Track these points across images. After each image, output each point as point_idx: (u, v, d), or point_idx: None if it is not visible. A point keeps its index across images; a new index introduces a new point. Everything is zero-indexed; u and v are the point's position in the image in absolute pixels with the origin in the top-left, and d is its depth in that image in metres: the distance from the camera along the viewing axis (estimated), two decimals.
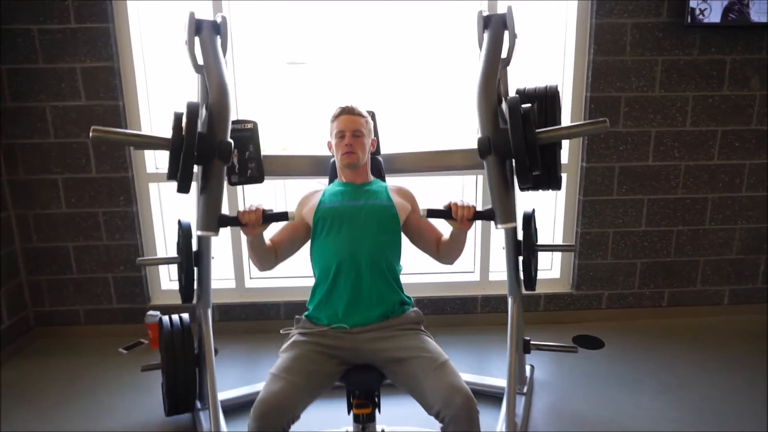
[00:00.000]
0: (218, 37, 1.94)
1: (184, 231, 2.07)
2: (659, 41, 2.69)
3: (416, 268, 3.25)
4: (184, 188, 1.62)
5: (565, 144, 2.89)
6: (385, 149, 2.15)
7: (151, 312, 2.79)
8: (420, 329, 1.72)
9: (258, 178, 2.09)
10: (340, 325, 1.67)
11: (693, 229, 2.95)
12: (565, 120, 2.91)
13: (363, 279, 1.69)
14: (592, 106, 2.76)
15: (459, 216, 1.61)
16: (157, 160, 2.86)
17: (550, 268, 3.12)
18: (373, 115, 2.03)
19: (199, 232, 1.70)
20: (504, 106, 1.77)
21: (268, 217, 1.65)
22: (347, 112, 1.83)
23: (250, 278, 3.05)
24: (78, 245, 2.81)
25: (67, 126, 2.66)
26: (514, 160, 1.66)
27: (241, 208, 1.78)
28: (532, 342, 2.33)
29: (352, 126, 1.81)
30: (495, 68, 1.82)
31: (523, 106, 1.62)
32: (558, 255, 3.07)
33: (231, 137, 2.04)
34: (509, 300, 2.23)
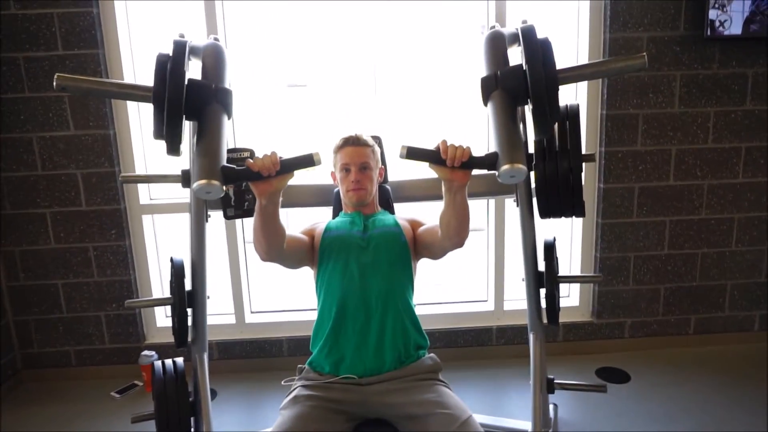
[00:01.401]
0: None
1: (176, 269, 1.91)
2: (677, 55, 2.56)
3: (426, 298, 3.09)
4: (172, 147, 1.27)
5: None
6: (391, 176, 2.01)
7: (145, 352, 2.62)
8: (437, 379, 1.55)
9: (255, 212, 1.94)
10: (348, 376, 1.50)
11: (719, 252, 2.78)
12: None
13: (372, 320, 1.52)
14: (609, 125, 2.61)
15: (449, 157, 1.22)
16: (151, 191, 2.72)
17: (568, 295, 2.95)
18: (379, 141, 1.88)
19: (197, 185, 1.16)
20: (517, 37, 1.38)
21: (289, 164, 1.23)
22: (352, 143, 1.68)
23: (251, 312, 2.88)
24: (68, 282, 2.65)
25: (54, 157, 2.52)
26: (529, 101, 1.26)
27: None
28: (556, 381, 2.15)
29: (358, 159, 1.66)
30: (506, 35, 1.55)
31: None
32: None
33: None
34: (530, 336, 2.06)
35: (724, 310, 2.84)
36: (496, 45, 1.43)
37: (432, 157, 1.25)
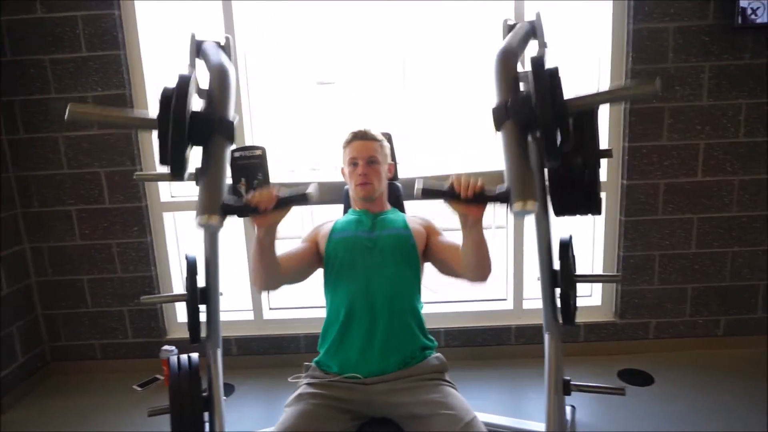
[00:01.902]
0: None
1: (189, 266, 1.94)
2: (706, 45, 2.45)
3: (444, 296, 3.06)
4: (176, 172, 1.32)
5: (604, 160, 2.66)
6: (409, 173, 1.99)
7: (165, 347, 2.67)
8: (443, 380, 1.53)
9: (266, 210, 1.95)
10: (353, 375, 1.49)
11: (751, 251, 2.66)
12: (603, 137, 2.69)
13: (378, 321, 1.51)
14: (633, 119, 2.53)
15: (463, 187, 1.23)
16: (172, 188, 2.77)
17: (590, 294, 2.88)
18: (389, 137, 1.87)
19: (198, 219, 1.25)
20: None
21: (285, 200, 1.30)
22: (360, 137, 1.67)
23: (270, 309, 2.91)
24: (92, 278, 2.73)
25: (79, 156, 2.59)
26: (538, 131, 1.28)
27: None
28: (573, 382, 2.10)
29: (366, 153, 1.65)
30: (519, 42, 1.54)
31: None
32: None
33: (238, 165, 1.92)
34: (546, 336, 2.01)
35: (756, 311, 2.72)
36: (507, 68, 1.40)
37: (446, 193, 1.26)
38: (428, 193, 1.23)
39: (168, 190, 2.75)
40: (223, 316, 2.84)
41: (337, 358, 1.53)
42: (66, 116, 1.32)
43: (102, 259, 2.70)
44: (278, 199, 1.30)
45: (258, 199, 1.27)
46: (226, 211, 1.27)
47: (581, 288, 2.86)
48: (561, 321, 1.94)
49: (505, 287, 2.88)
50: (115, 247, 2.69)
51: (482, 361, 2.76)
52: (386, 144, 1.73)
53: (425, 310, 2.68)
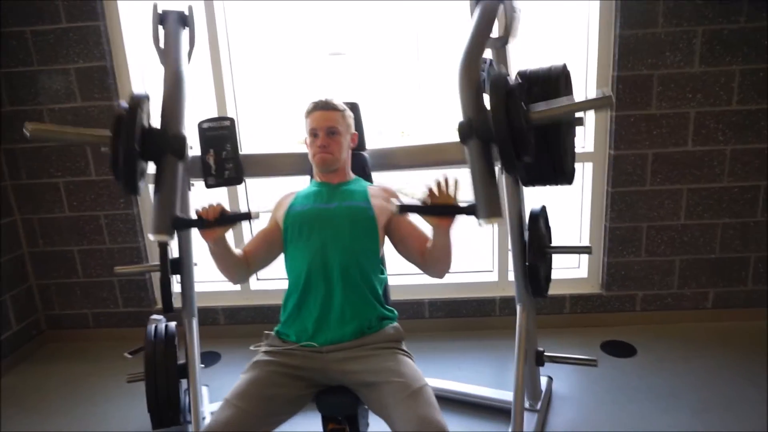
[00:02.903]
0: (186, 29, 1.80)
1: None
2: (698, 9, 2.35)
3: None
4: (128, 188, 1.42)
5: (590, 130, 2.60)
6: (375, 143, 1.97)
7: (154, 316, 2.72)
8: (398, 348, 1.53)
9: (236, 180, 1.95)
10: (309, 343, 1.51)
11: (742, 222, 2.59)
12: None
13: (335, 292, 1.52)
14: (620, 86, 2.46)
15: (432, 199, 1.37)
16: None
17: (578, 266, 2.85)
18: (355, 106, 1.84)
19: (151, 236, 1.46)
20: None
21: (228, 218, 1.47)
22: (320, 107, 1.65)
23: (257, 280, 2.94)
24: (82, 249, 2.79)
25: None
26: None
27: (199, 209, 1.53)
28: (546, 353, 2.10)
29: (325, 123, 1.63)
30: (481, 44, 1.56)
31: (511, 81, 1.37)
32: None
33: (206, 136, 1.92)
34: (518, 307, 2.01)
35: (747, 283, 2.67)
36: (470, 79, 1.43)
37: (423, 209, 1.39)
38: (406, 209, 1.38)
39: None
40: (211, 287, 2.93)
41: (294, 327, 1.55)
42: (28, 135, 1.43)
43: (91, 230, 2.75)
44: (222, 214, 1.46)
45: (205, 213, 1.45)
46: (176, 226, 1.46)
47: (568, 259, 2.86)
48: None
49: (490, 259, 2.87)
50: (103, 219, 2.74)
51: (466, 332, 2.77)
52: (349, 114, 1.70)
53: (405, 280, 2.69)
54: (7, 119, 2.62)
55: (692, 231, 2.61)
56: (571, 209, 2.88)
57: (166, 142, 1.49)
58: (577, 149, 2.59)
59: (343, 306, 1.51)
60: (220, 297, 2.88)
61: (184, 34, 1.79)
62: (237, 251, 1.60)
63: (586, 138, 2.64)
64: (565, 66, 1.71)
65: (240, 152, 1.94)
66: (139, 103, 1.41)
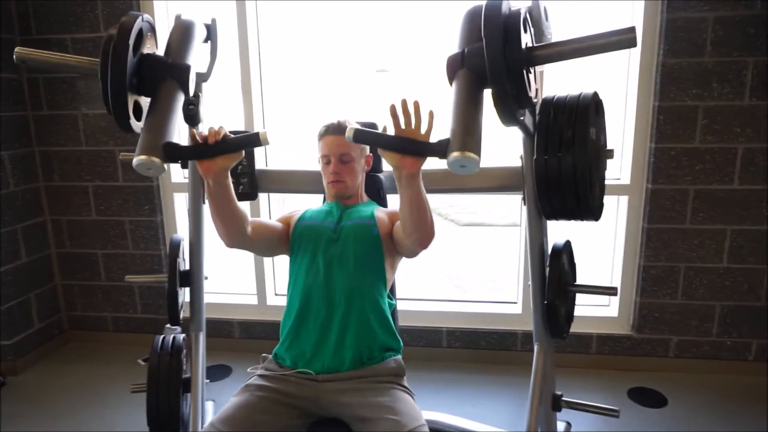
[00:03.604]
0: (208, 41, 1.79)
1: (172, 248, 1.95)
2: (750, 39, 2.20)
3: (448, 294, 2.96)
4: (121, 123, 1.23)
5: (627, 162, 2.47)
6: None
7: (168, 326, 2.72)
8: (398, 384, 1.44)
9: (250, 195, 1.92)
10: (305, 370, 1.44)
11: None
12: (615, 138, 2.50)
13: (335, 316, 1.45)
14: (661, 117, 2.32)
15: (395, 126, 1.14)
16: (184, 171, 2.80)
17: (608, 304, 2.69)
18: (372, 127, 1.78)
19: (135, 160, 1.12)
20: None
21: (232, 143, 1.22)
22: (333, 131, 1.59)
23: (275, 295, 2.91)
24: (106, 252, 2.83)
25: (97, 134, 2.67)
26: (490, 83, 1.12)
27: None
28: (564, 398, 1.96)
29: (338, 150, 1.57)
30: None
31: (512, 8, 1.15)
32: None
33: None
34: (535, 347, 1.89)
35: None
36: (473, 21, 1.26)
37: (381, 139, 1.15)
38: (360, 137, 1.14)
39: (180, 172, 2.79)
40: (227, 299, 2.91)
41: (291, 352, 1.49)
42: (15, 58, 1.30)
43: (115, 234, 2.79)
44: (225, 136, 1.23)
45: (204, 137, 1.22)
46: (169, 152, 1.16)
47: (598, 296, 2.70)
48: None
49: (516, 290, 2.75)
50: (128, 224, 2.77)
51: (484, 365, 2.65)
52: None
53: (423, 306, 2.59)
54: (45, 123, 2.70)
55: (735, 275, 2.42)
56: (602, 244, 2.73)
57: (166, 68, 1.28)
58: (612, 181, 2.50)
59: (344, 332, 1.44)
60: (236, 310, 2.86)
61: (206, 46, 1.78)
62: (241, 207, 1.41)
63: (622, 170, 2.50)
64: (596, 93, 1.61)
65: (256, 167, 1.91)
66: (132, 23, 1.21)
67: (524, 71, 1.13)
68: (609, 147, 1.73)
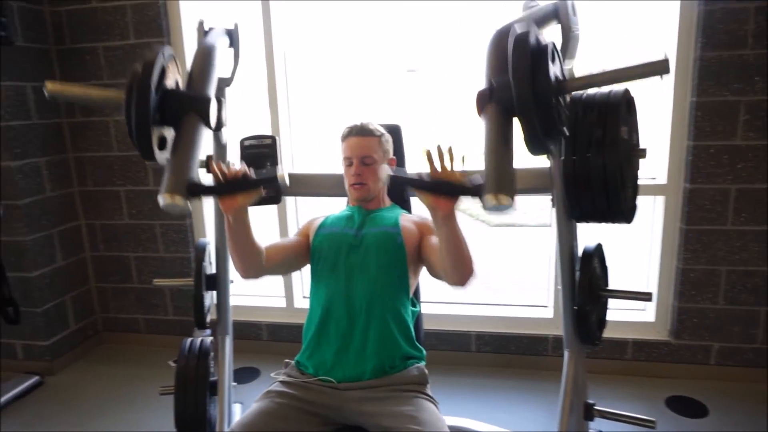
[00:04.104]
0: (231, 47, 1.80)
1: (197, 252, 1.97)
2: None
3: (479, 296, 2.91)
4: (144, 154, 1.26)
5: (663, 160, 2.37)
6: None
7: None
8: (421, 392, 1.41)
9: (274, 199, 1.91)
10: (326, 378, 1.42)
11: None
12: (650, 136, 2.40)
13: (357, 325, 1.43)
14: (699, 114, 2.22)
15: (432, 170, 1.14)
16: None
17: (644, 308, 2.58)
18: (395, 129, 1.76)
19: (161, 199, 1.20)
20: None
21: (251, 182, 1.25)
22: (356, 132, 1.57)
23: (303, 297, 2.91)
24: (138, 256, 2.88)
25: (127, 140, 2.69)
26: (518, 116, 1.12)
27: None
28: (597, 407, 1.89)
29: (360, 151, 1.55)
30: (524, 26, 1.37)
31: (542, 40, 1.14)
32: (654, 293, 2.52)
33: (247, 153, 1.91)
34: (565, 353, 1.83)
35: None
36: (499, 48, 1.22)
37: (416, 183, 1.16)
38: (396, 180, 1.18)
39: (208, 177, 2.82)
40: (256, 301, 2.93)
41: (312, 360, 1.48)
42: (47, 94, 1.32)
43: (146, 238, 2.84)
44: (245, 175, 1.25)
45: (223, 172, 1.25)
46: (192, 191, 1.21)
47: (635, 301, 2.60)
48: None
49: (546, 293, 2.67)
50: (158, 228, 2.81)
51: (514, 370, 2.59)
52: (386, 138, 1.62)
53: (451, 310, 2.55)
54: (79, 130, 2.77)
55: None
56: (639, 246, 2.63)
57: (187, 102, 1.32)
58: (648, 181, 2.40)
59: (365, 341, 1.42)
60: (265, 312, 2.87)
61: (230, 51, 1.79)
62: (258, 241, 1.43)
63: (658, 169, 2.40)
64: (627, 91, 1.54)
65: (280, 171, 1.90)
66: (154, 59, 1.25)
67: (553, 104, 1.10)
68: (642, 146, 1.66)
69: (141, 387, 2.56)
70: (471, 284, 1.33)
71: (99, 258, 2.94)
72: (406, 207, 1.76)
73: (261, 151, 1.90)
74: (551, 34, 1.61)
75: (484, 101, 1.15)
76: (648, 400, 2.30)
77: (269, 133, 2.61)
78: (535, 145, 1.12)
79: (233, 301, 2.94)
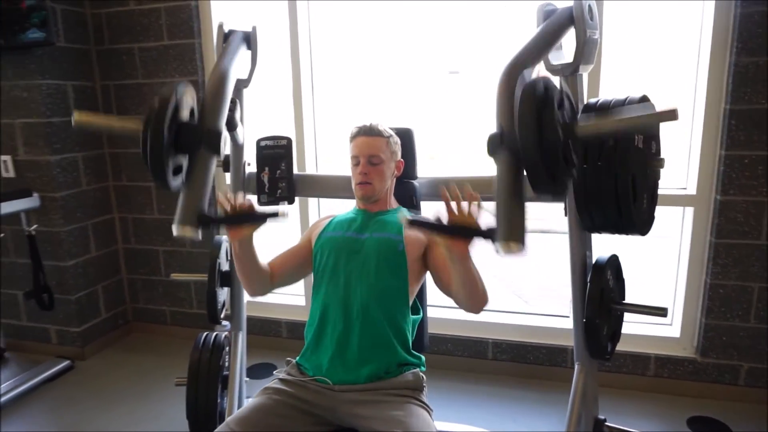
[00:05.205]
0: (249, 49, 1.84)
1: (213, 248, 2.02)
2: None
3: (508, 303, 2.86)
4: (159, 182, 1.34)
5: (693, 170, 2.27)
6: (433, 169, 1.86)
7: (224, 323, 2.83)
8: (414, 398, 1.40)
9: (288, 199, 1.95)
10: (323, 379, 1.44)
11: None
12: (681, 145, 2.30)
13: (353, 330, 1.44)
14: (733, 122, 2.11)
15: (449, 213, 1.19)
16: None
17: (670, 323, 2.48)
18: (407, 132, 1.75)
19: (175, 230, 1.34)
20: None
21: (257, 216, 1.35)
22: (364, 132, 1.58)
23: None
24: (166, 249, 2.98)
25: None
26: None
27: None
28: (608, 424, 1.83)
29: (368, 151, 1.56)
30: (532, 55, 1.37)
31: (550, 88, 1.15)
32: (680, 307, 2.42)
33: (263, 154, 1.94)
34: (576, 366, 1.79)
35: None
36: (508, 89, 1.24)
37: (433, 227, 1.22)
38: (414, 224, 1.23)
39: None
40: (276, 298, 2.97)
41: (311, 361, 1.49)
42: (73, 123, 1.42)
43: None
44: (251, 209, 1.36)
45: (232, 205, 1.33)
46: (202, 222, 1.34)
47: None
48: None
49: (569, 303, 2.60)
50: None
51: (531, 380, 2.53)
52: (395, 140, 1.62)
53: (469, 316, 2.54)
54: None
55: None
56: (667, 259, 2.54)
57: (199, 136, 1.41)
58: (677, 191, 2.31)
59: (360, 346, 1.42)
60: (285, 310, 2.92)
61: (247, 54, 1.83)
62: (263, 262, 1.53)
63: (688, 179, 2.31)
64: (644, 97, 1.49)
65: (294, 171, 1.94)
66: (170, 96, 1.34)
67: (561, 151, 1.11)
68: (662, 156, 1.60)
69: (163, 377, 2.64)
70: (482, 311, 1.40)
71: (130, 250, 3.05)
72: (416, 209, 1.75)
73: (276, 152, 1.94)
74: (568, 41, 1.58)
75: (495, 147, 1.20)
76: (669, 418, 2.21)
77: (293, 132, 2.68)
78: (539, 187, 1.14)
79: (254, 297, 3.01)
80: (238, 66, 1.70)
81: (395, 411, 1.33)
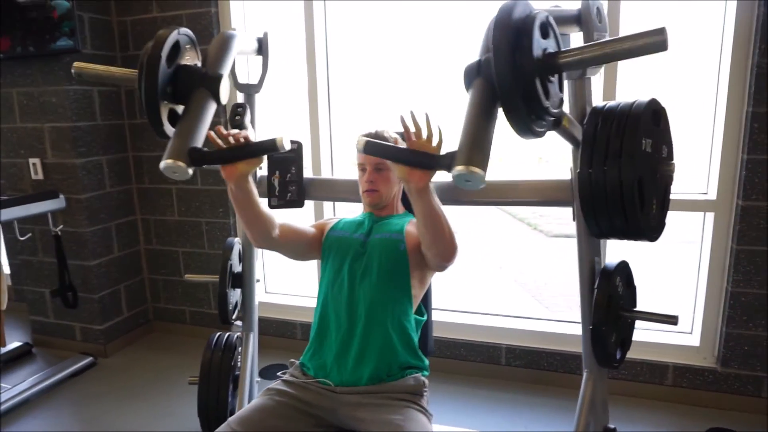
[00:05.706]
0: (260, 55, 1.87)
1: (225, 250, 2.06)
2: None
3: (509, 310, 2.83)
4: (154, 127, 1.30)
5: (714, 175, 2.21)
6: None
7: (238, 322, 2.87)
8: (414, 402, 1.40)
9: (297, 202, 1.97)
10: (325, 381, 1.45)
11: None
12: (702, 148, 2.24)
13: (356, 331, 1.44)
14: (755, 125, 2.05)
15: (407, 138, 1.14)
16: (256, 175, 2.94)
17: (690, 331, 2.42)
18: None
19: (163, 164, 1.21)
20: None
21: (253, 149, 1.26)
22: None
23: None
24: (186, 251, 3.05)
25: None
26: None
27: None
28: None
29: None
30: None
31: (531, 12, 1.07)
32: (699, 315, 2.35)
33: (274, 158, 1.97)
34: (584, 373, 1.76)
35: None
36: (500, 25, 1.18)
37: (390, 151, 1.17)
38: (370, 149, 1.17)
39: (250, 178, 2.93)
40: (290, 300, 3.01)
41: (314, 362, 1.51)
42: (74, 73, 1.43)
43: (194, 234, 3.00)
44: (246, 141, 1.27)
45: (225, 138, 1.25)
46: (194, 157, 1.23)
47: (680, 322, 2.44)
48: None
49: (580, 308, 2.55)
50: (204, 225, 2.96)
51: (545, 387, 2.50)
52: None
53: (482, 321, 2.51)
54: (139, 131, 2.98)
55: None
56: (688, 266, 2.47)
57: (199, 77, 1.33)
58: (697, 196, 2.26)
59: (364, 347, 1.43)
60: (300, 312, 2.95)
61: (258, 59, 1.86)
62: (267, 212, 1.44)
63: (708, 184, 2.25)
64: (654, 101, 1.46)
65: (304, 176, 1.96)
66: (164, 38, 1.28)
67: (538, 80, 1.05)
68: (673, 160, 1.57)
69: (180, 375, 2.69)
70: (453, 262, 1.34)
71: (152, 251, 3.13)
72: None
73: (287, 156, 1.96)
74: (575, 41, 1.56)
75: (471, 76, 1.12)
76: (687, 430, 2.15)
77: (309, 134, 2.71)
78: (519, 126, 1.06)
79: (271, 299, 3.07)
80: (247, 39, 1.67)
81: (394, 415, 1.33)
